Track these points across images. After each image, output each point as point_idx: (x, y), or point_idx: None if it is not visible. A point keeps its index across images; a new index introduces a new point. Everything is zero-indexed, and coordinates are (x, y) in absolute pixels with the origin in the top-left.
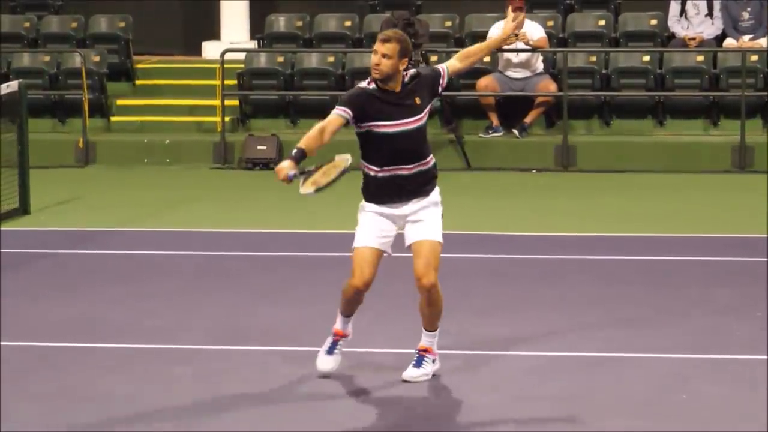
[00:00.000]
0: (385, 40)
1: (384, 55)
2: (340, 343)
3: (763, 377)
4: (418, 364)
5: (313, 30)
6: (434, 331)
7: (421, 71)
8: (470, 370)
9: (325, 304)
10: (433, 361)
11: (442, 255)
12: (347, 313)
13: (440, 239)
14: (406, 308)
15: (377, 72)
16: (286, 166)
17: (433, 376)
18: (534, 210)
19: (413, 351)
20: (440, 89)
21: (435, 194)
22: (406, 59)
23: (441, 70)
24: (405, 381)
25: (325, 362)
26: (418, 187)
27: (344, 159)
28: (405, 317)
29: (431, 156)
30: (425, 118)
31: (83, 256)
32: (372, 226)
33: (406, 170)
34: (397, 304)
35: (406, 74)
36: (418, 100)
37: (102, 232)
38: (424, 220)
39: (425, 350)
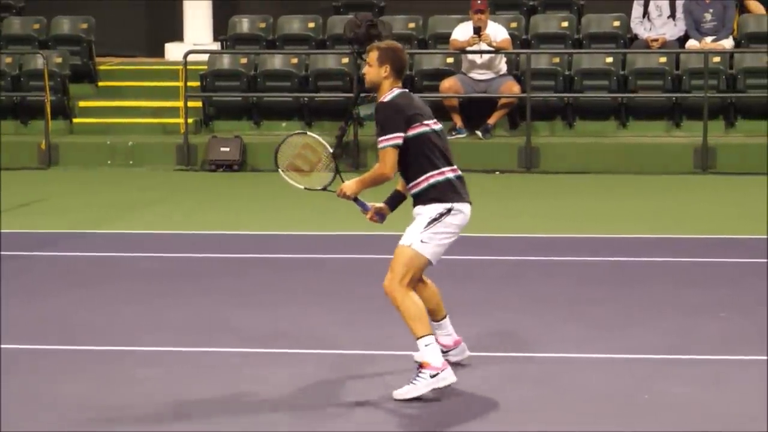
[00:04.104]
0: (369, 50)
1: (368, 64)
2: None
3: (728, 377)
4: (413, 379)
5: (277, 32)
6: (417, 339)
7: (398, 101)
8: None
9: (293, 306)
10: (432, 377)
11: None
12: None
13: (409, 242)
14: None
15: (365, 81)
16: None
17: (431, 391)
18: (497, 211)
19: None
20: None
21: (427, 208)
22: (387, 65)
23: (384, 137)
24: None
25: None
26: (415, 203)
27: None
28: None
29: (425, 176)
30: (384, 144)
31: (47, 258)
32: None
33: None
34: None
35: (391, 92)
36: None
37: (65, 234)
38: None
39: (420, 365)
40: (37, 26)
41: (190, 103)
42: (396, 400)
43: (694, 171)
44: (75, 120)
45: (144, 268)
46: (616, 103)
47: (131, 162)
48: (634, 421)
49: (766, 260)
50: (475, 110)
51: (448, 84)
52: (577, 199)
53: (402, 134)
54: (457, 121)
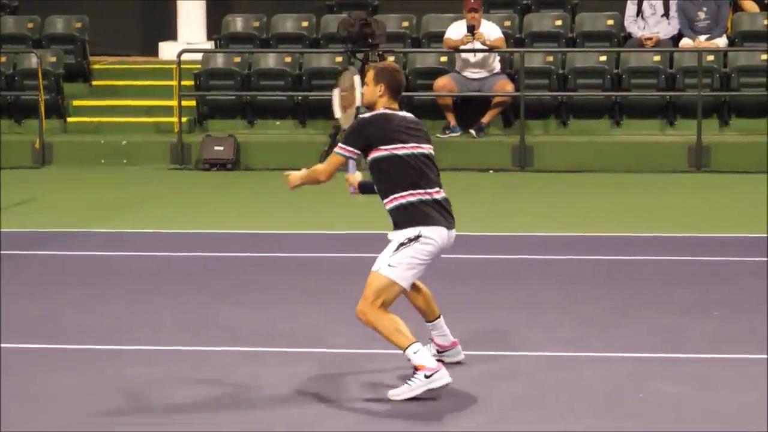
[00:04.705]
0: (366, 69)
1: (365, 84)
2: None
3: (719, 376)
4: (408, 380)
5: (270, 30)
6: (405, 351)
7: (371, 120)
8: None
9: (288, 305)
10: (428, 377)
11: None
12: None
13: (378, 268)
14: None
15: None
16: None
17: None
18: (491, 210)
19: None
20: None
21: (398, 233)
22: (382, 85)
23: (340, 144)
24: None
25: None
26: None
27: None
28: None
29: (391, 198)
30: (369, 156)
31: (40, 257)
32: None
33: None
34: None
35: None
36: None
37: (59, 233)
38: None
39: (415, 368)
40: (31, 25)
41: (184, 102)
42: (391, 400)
43: (688, 169)
44: (69, 119)
45: (138, 267)
46: (610, 101)
47: (125, 161)
48: (629, 419)
49: (760, 259)
50: (469, 109)
51: (441, 83)
52: (571, 197)
53: (356, 151)
54: (451, 119)
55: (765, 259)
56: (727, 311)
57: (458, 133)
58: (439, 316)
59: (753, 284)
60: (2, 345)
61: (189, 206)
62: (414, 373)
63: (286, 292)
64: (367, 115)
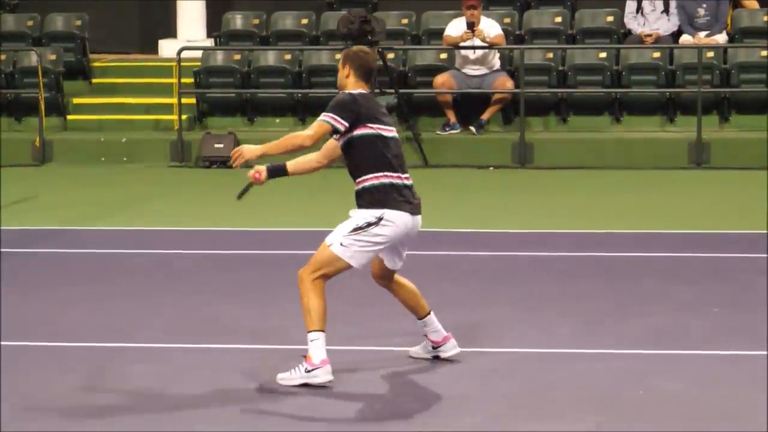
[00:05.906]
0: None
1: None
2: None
3: (719, 373)
4: (294, 367)
5: (270, 28)
6: (307, 333)
7: (357, 96)
8: (426, 368)
9: (285, 303)
10: (307, 371)
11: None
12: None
13: (330, 242)
14: (364, 307)
15: None
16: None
17: (306, 386)
18: (491, 207)
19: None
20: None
21: (360, 213)
22: (348, 65)
23: (327, 113)
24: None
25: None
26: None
27: None
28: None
29: (364, 177)
30: (343, 140)
31: (40, 255)
32: None
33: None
34: (354, 302)
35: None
36: None
37: (59, 231)
38: None
39: (305, 357)
40: (30, 23)
41: (184, 100)
42: (278, 382)
43: (688, 166)
44: (69, 117)
45: (138, 264)
46: (610, 98)
47: (125, 159)
48: (628, 416)
49: (760, 255)
50: (469, 106)
51: (441, 80)
52: (570, 194)
53: (345, 123)
54: (451, 116)
55: (765, 255)
56: (727, 308)
57: (458, 130)
58: (429, 313)
59: (753, 281)
60: (2, 343)
61: (189, 204)
62: (302, 361)
63: (285, 289)
64: (353, 91)
